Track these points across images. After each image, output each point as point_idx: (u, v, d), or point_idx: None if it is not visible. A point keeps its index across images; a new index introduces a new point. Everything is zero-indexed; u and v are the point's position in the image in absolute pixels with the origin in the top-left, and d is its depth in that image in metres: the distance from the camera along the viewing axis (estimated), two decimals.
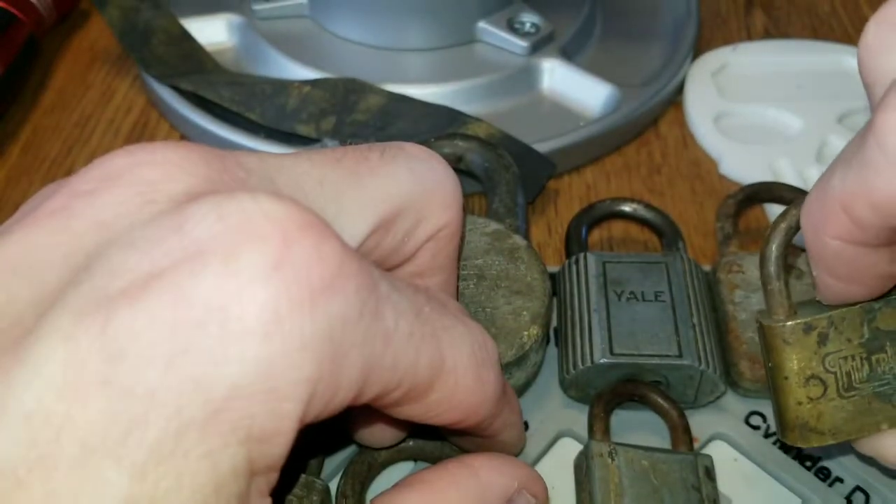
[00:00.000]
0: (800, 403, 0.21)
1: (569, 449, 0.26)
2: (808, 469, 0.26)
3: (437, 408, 0.18)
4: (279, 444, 0.14)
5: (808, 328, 0.21)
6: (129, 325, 0.13)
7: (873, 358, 0.20)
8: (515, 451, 0.23)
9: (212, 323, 0.13)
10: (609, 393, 0.26)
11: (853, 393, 0.21)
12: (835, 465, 0.26)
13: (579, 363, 0.26)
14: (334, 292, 0.14)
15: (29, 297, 0.14)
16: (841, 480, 0.25)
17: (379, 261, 0.19)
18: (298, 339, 0.14)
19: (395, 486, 0.19)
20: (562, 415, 0.27)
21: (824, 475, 0.25)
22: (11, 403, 0.12)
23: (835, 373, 0.20)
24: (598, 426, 0.25)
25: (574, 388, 0.27)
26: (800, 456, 0.26)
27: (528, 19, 0.41)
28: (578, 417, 0.26)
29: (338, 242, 0.15)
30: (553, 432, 0.27)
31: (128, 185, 0.15)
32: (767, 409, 0.27)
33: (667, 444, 0.25)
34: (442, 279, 0.21)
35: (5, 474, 0.12)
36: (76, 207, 0.15)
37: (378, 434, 0.23)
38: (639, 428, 0.26)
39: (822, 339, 0.20)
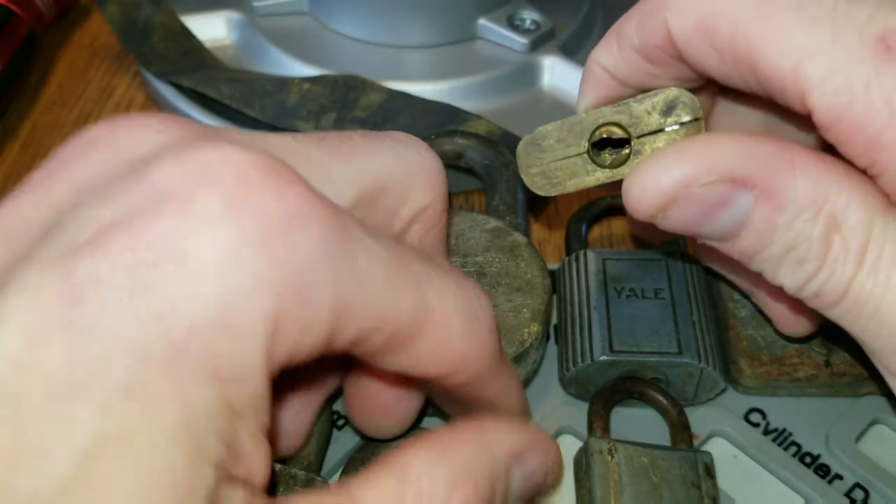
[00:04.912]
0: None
1: (568, 446, 0.26)
2: (808, 466, 0.26)
3: (426, 357, 0.17)
4: (252, 384, 0.14)
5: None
6: (91, 270, 0.13)
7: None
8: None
9: (169, 262, 0.13)
10: (609, 390, 0.26)
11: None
12: (834, 462, 0.26)
13: (579, 360, 0.26)
14: (295, 230, 0.14)
15: (5, 259, 0.14)
16: (840, 477, 0.25)
17: None
18: (255, 275, 0.14)
19: (402, 445, 0.19)
20: (561, 412, 0.27)
21: (824, 472, 0.25)
22: None
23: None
24: (598, 423, 0.25)
25: (574, 385, 0.27)
26: (800, 453, 0.26)
27: (529, 16, 0.40)
28: (578, 414, 0.26)
29: (303, 187, 0.15)
30: (553, 429, 0.27)
31: (105, 149, 0.16)
32: (767, 407, 0.27)
33: (666, 441, 0.25)
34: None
35: None
36: (56, 174, 0.16)
37: (382, 421, 0.23)
38: (638, 425, 0.26)
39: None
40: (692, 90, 0.21)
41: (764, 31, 0.18)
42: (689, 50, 0.19)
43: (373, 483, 0.16)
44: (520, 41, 0.39)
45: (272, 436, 0.19)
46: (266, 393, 0.15)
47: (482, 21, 0.40)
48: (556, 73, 0.39)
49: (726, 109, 0.23)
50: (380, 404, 0.22)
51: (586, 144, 0.20)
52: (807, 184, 0.18)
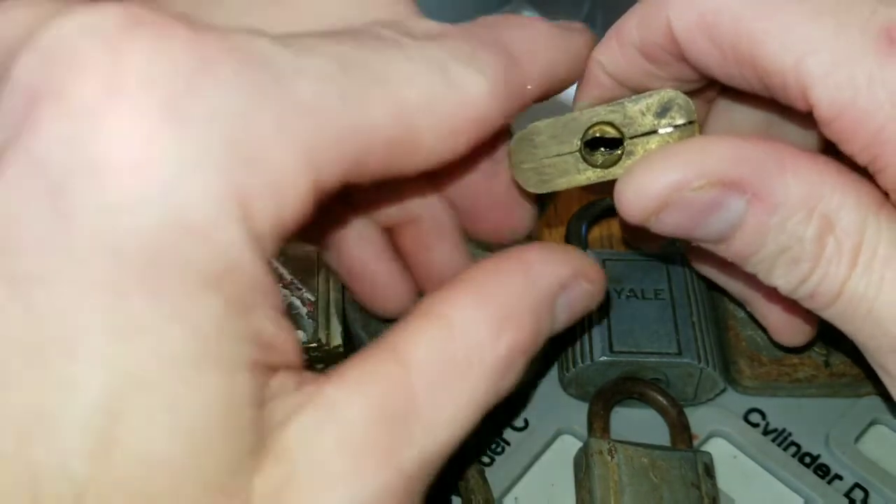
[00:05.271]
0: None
1: (568, 446, 0.26)
2: (808, 466, 0.26)
3: (444, 141, 0.16)
4: (247, 271, 0.13)
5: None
6: (4, 208, 0.12)
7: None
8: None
9: (81, 179, 0.12)
10: (609, 390, 0.26)
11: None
12: (834, 463, 0.26)
13: (579, 361, 0.26)
14: (202, 85, 0.12)
15: None
16: (840, 477, 0.25)
17: None
18: (180, 159, 0.12)
19: (443, 287, 0.17)
20: (561, 412, 0.27)
21: (823, 472, 0.25)
22: None
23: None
24: (598, 423, 0.25)
25: (574, 385, 0.27)
26: (799, 453, 0.26)
27: (529, 17, 0.40)
28: (578, 415, 0.26)
29: (182, 30, 0.13)
30: (553, 430, 0.27)
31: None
32: (767, 407, 0.27)
33: (666, 442, 0.25)
34: None
35: None
36: None
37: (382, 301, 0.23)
38: (638, 425, 0.26)
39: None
40: (690, 92, 0.21)
41: (766, 26, 0.17)
42: (690, 47, 0.19)
43: (415, 335, 0.15)
44: None
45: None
46: (266, 272, 0.13)
47: None
48: None
49: (726, 109, 0.23)
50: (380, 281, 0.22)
51: (579, 143, 0.20)
52: (799, 185, 0.18)
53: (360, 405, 0.14)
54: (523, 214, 0.23)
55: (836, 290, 0.18)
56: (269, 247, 0.13)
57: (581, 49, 0.21)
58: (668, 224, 0.19)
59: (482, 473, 0.24)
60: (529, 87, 0.18)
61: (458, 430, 0.16)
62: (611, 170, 0.20)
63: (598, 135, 0.20)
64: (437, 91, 0.16)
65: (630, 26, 0.20)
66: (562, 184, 0.21)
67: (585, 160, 0.20)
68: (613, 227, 0.34)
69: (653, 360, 0.25)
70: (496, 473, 0.25)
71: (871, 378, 0.26)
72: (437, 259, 0.23)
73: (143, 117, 0.12)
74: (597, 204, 0.32)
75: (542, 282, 0.18)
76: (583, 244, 0.31)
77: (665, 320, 0.26)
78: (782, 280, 0.19)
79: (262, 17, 0.17)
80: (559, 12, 0.41)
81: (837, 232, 0.18)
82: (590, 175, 0.20)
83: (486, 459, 0.26)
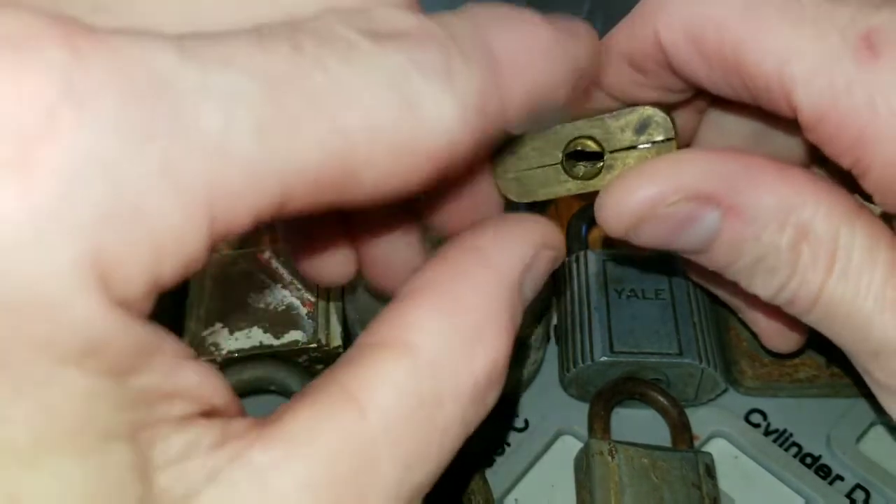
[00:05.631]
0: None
1: (569, 447, 0.26)
2: (809, 467, 0.26)
3: (394, 177, 0.13)
4: (126, 338, 0.11)
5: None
6: None
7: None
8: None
9: None
10: (609, 391, 0.26)
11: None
12: (835, 463, 0.26)
13: (580, 361, 0.26)
14: (62, 132, 0.10)
15: None
16: (841, 478, 0.25)
17: None
18: (21, 222, 0.10)
19: (396, 299, 0.15)
20: (562, 413, 0.27)
21: (825, 473, 0.25)
22: None
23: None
24: (599, 424, 0.25)
25: (574, 385, 0.27)
26: (800, 454, 0.26)
27: None
28: (578, 415, 0.26)
29: (56, 50, 0.10)
30: (553, 430, 0.27)
31: None
32: (768, 407, 0.27)
33: (667, 442, 0.25)
34: None
35: None
36: None
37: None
38: (639, 426, 0.26)
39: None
40: (679, 103, 0.21)
41: (749, 34, 0.18)
42: (677, 56, 0.19)
43: (375, 373, 0.13)
44: None
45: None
46: (147, 330, 0.12)
47: None
48: None
49: (717, 120, 0.23)
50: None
51: (561, 155, 0.21)
52: (771, 197, 0.18)
53: (299, 471, 0.12)
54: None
55: (813, 296, 0.18)
56: (147, 304, 0.12)
57: (584, 60, 0.18)
58: (647, 238, 0.19)
59: (483, 474, 0.24)
60: (512, 110, 0.15)
61: (429, 475, 0.14)
62: (591, 182, 0.21)
63: (579, 148, 0.21)
64: (388, 115, 0.13)
65: (619, 38, 0.21)
66: (543, 194, 0.21)
67: (567, 172, 0.21)
68: None
69: (653, 360, 0.25)
70: (497, 474, 0.25)
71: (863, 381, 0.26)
72: (390, 249, 0.21)
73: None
74: None
75: (507, 271, 0.16)
76: (583, 244, 0.31)
77: (666, 320, 0.26)
78: (761, 288, 0.19)
79: (179, 4, 0.14)
80: (559, 12, 0.41)
81: (812, 240, 0.18)
82: (570, 186, 0.21)
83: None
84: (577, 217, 0.32)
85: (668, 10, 0.19)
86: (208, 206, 0.11)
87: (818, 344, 0.25)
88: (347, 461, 0.12)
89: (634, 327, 0.26)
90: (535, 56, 0.15)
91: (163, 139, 0.11)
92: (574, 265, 0.28)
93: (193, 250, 0.11)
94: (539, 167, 0.21)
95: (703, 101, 0.22)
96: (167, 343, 0.12)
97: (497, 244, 0.16)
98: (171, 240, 0.11)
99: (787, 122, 0.19)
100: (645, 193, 0.18)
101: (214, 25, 0.13)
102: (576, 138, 0.21)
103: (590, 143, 0.20)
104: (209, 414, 0.13)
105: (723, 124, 0.23)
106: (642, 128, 0.20)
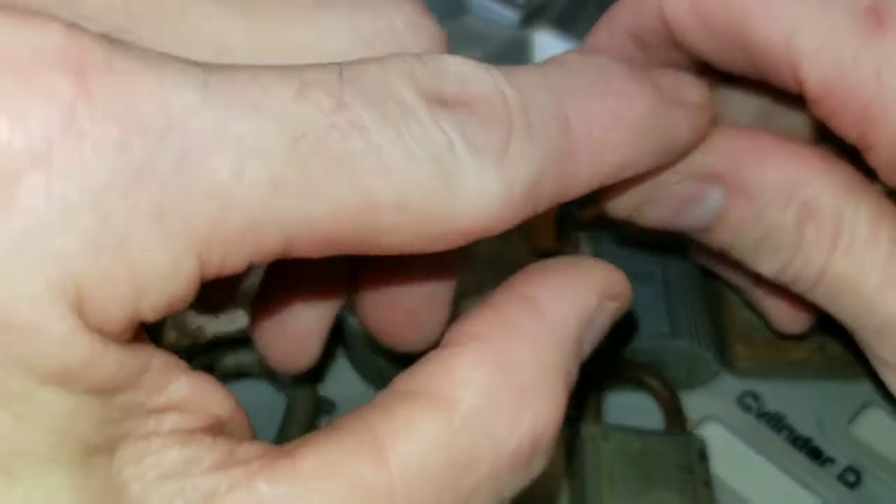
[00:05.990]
0: None
1: (561, 431, 0.26)
2: (801, 450, 0.25)
3: (413, 245, 0.13)
4: (108, 363, 0.11)
5: None
6: None
7: None
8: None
9: None
10: (601, 374, 0.26)
11: None
12: (827, 446, 0.26)
13: None
14: (55, 164, 0.10)
15: None
16: (833, 461, 0.25)
17: None
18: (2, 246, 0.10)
19: (440, 347, 0.14)
20: None
21: (816, 455, 0.25)
22: None
23: None
24: (591, 408, 0.25)
25: None
26: (792, 437, 0.26)
27: None
28: (570, 399, 0.26)
29: (68, 85, 0.10)
30: None
31: None
32: (761, 390, 0.27)
33: (659, 426, 0.25)
34: None
35: None
36: None
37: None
38: (631, 410, 0.26)
39: None
40: None
41: (755, 8, 0.18)
42: (682, 32, 0.19)
43: (407, 424, 0.12)
44: (511, 15, 0.39)
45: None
46: (133, 354, 0.11)
47: None
48: (550, 49, 0.38)
49: (724, 98, 0.23)
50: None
51: None
52: (775, 174, 0.18)
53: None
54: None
55: (817, 273, 0.18)
56: (128, 333, 0.11)
57: (686, 136, 0.16)
58: (651, 218, 0.19)
59: None
60: (575, 189, 0.13)
61: None
62: None
63: None
64: (423, 187, 0.12)
65: (623, 13, 0.20)
66: None
67: None
68: None
69: (646, 342, 0.25)
70: None
71: (861, 361, 0.26)
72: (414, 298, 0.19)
73: None
74: None
75: (563, 325, 0.14)
76: (574, 226, 0.30)
77: (658, 303, 0.26)
78: (766, 266, 0.19)
79: (253, 29, 0.13)
80: (576, 27, 0.41)
81: (816, 217, 0.18)
82: None
83: None
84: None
85: None
86: (200, 250, 0.11)
87: (817, 322, 0.25)
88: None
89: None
90: (621, 132, 0.14)
91: (161, 181, 0.10)
92: (566, 248, 0.28)
93: (178, 290, 0.11)
94: None
95: (706, 78, 0.22)
96: (155, 360, 0.12)
97: (552, 294, 0.14)
98: (155, 279, 0.11)
99: (793, 99, 0.19)
100: (649, 174, 0.18)
101: (280, 51, 0.12)
102: None
103: None
104: (215, 432, 0.12)
105: (731, 101, 0.23)
106: None
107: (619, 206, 0.19)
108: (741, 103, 0.23)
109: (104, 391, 0.11)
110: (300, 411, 0.24)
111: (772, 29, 0.18)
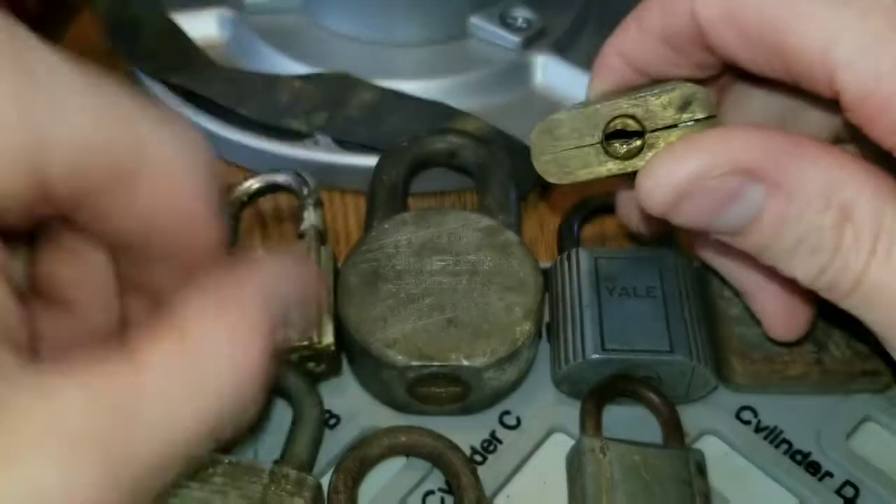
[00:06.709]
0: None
1: (561, 444, 0.26)
2: (799, 464, 0.26)
3: (149, 200, 0.16)
4: None
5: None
6: None
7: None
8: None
9: None
10: (601, 388, 0.26)
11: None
12: (825, 460, 0.26)
13: (571, 359, 0.26)
14: None
15: None
16: (831, 475, 0.25)
17: None
18: None
19: (181, 298, 0.17)
20: (554, 410, 0.27)
21: (814, 469, 0.26)
22: None
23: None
24: (590, 422, 0.25)
25: (566, 383, 0.27)
26: (790, 451, 0.26)
27: (521, 14, 0.40)
28: (570, 413, 0.26)
29: None
30: (545, 428, 0.27)
31: None
32: (758, 405, 0.27)
33: (658, 440, 0.25)
34: None
35: None
36: None
37: None
38: (631, 423, 0.26)
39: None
40: (707, 80, 0.21)
41: (791, 15, 0.18)
42: (715, 37, 0.19)
43: (153, 341, 0.15)
44: (512, 39, 0.39)
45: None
46: None
47: (474, 19, 0.40)
48: (549, 72, 0.39)
49: (744, 95, 0.23)
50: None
51: (600, 135, 0.20)
52: (817, 175, 0.18)
53: (79, 394, 0.14)
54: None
55: (855, 279, 0.18)
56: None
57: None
58: (688, 215, 0.19)
59: (474, 472, 0.24)
60: None
61: (189, 434, 0.15)
62: (632, 161, 0.20)
63: (619, 127, 0.20)
64: (180, 152, 0.16)
65: (652, 14, 0.20)
66: (583, 175, 0.21)
67: (606, 152, 0.20)
68: (606, 224, 0.34)
69: (645, 357, 0.25)
70: (488, 471, 0.25)
71: (865, 375, 0.26)
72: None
73: None
74: (589, 202, 0.32)
75: (274, 287, 0.17)
76: (575, 242, 0.31)
77: (657, 318, 0.26)
78: (801, 270, 0.19)
79: None
80: (551, 10, 0.41)
81: (855, 221, 0.18)
82: (611, 167, 0.21)
83: (478, 458, 0.26)
84: (570, 214, 0.32)
85: None
86: (32, 151, 0.14)
87: (812, 331, 0.26)
88: (117, 396, 0.14)
89: (626, 325, 0.26)
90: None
91: (18, 87, 0.14)
92: (565, 263, 0.28)
93: (24, 192, 0.14)
94: (577, 147, 0.21)
95: (729, 77, 0.22)
96: None
97: (269, 263, 0.18)
98: (9, 168, 0.14)
99: (819, 101, 0.19)
100: (690, 166, 0.18)
101: None
102: (616, 117, 0.20)
103: (630, 122, 0.20)
104: (9, 342, 0.14)
105: (752, 99, 0.23)
106: (685, 105, 0.20)
107: (658, 201, 0.19)
108: (762, 103, 0.23)
109: None
110: (306, 424, 0.25)
111: (808, 36, 0.18)
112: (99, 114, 0.15)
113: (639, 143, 0.20)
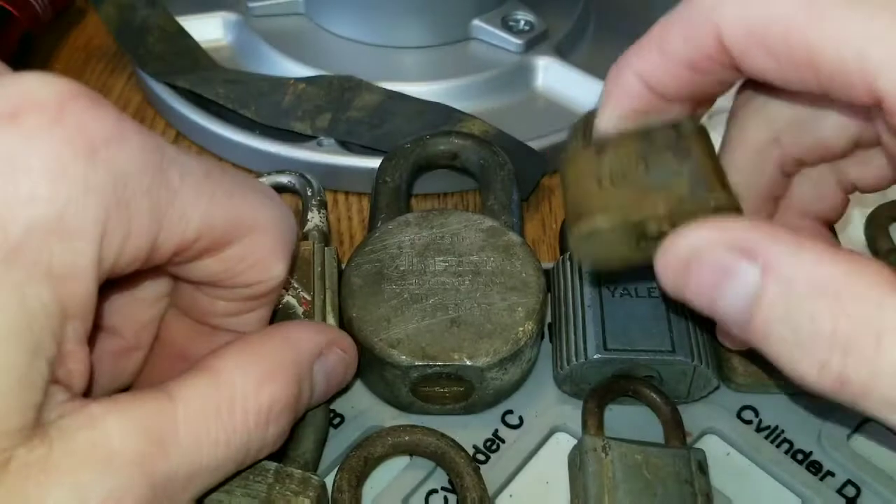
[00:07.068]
0: (579, 196, 0.22)
1: (563, 444, 0.26)
2: (800, 463, 0.26)
3: (238, 264, 0.20)
4: (84, 285, 0.16)
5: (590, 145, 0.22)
6: None
7: (647, 160, 0.21)
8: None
9: (2, 172, 0.15)
10: (603, 388, 0.26)
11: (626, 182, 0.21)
12: (826, 459, 0.26)
13: (573, 359, 0.26)
14: (115, 147, 0.16)
15: None
16: (832, 474, 0.26)
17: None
18: (83, 184, 0.16)
19: (216, 350, 0.20)
20: (556, 410, 0.27)
21: (816, 469, 0.26)
22: None
23: (609, 171, 0.22)
24: (592, 421, 0.25)
25: (568, 383, 0.27)
26: (792, 450, 0.26)
27: (523, 17, 0.41)
28: (572, 412, 0.27)
29: (112, 109, 0.17)
30: (547, 427, 0.27)
31: None
32: (760, 404, 0.27)
33: (660, 439, 0.26)
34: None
35: None
36: None
37: None
38: (632, 423, 0.26)
39: (601, 150, 0.22)
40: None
41: (821, 29, 0.18)
42: (743, 58, 0.19)
43: (189, 382, 0.19)
44: (514, 42, 0.40)
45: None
46: (94, 297, 0.16)
47: (476, 22, 0.40)
48: (550, 74, 0.40)
49: (762, 105, 0.23)
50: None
51: (636, 240, 0.21)
52: (812, 264, 0.17)
53: (120, 420, 0.17)
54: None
55: (865, 376, 0.16)
56: (101, 279, 0.17)
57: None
58: (692, 290, 0.19)
59: (477, 471, 0.24)
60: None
61: (216, 461, 0.18)
62: (656, 241, 0.21)
63: (654, 231, 0.21)
64: (271, 223, 0.20)
65: (673, 39, 0.20)
66: (618, 263, 0.22)
67: (638, 244, 0.21)
68: None
69: (646, 357, 0.26)
70: (491, 471, 0.25)
71: None
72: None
73: (69, 146, 0.16)
74: None
75: (301, 346, 0.21)
76: None
77: (658, 318, 0.26)
78: (805, 366, 0.17)
79: None
80: (553, 13, 0.42)
81: (852, 314, 0.17)
82: (641, 254, 0.21)
83: (481, 457, 0.26)
84: None
85: (728, 12, 0.19)
86: (154, 226, 0.17)
87: None
88: (154, 423, 0.17)
89: (628, 325, 0.26)
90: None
91: (152, 177, 0.17)
92: (568, 263, 0.28)
93: (143, 254, 0.17)
94: (617, 247, 0.22)
95: (748, 86, 0.23)
96: (91, 319, 0.17)
97: (298, 329, 0.22)
98: (137, 237, 0.17)
99: (841, 107, 0.19)
100: (690, 239, 0.19)
101: None
102: (647, 220, 0.21)
103: (663, 223, 0.21)
104: (66, 384, 0.17)
105: (769, 109, 0.23)
106: (696, 184, 0.20)
107: (666, 277, 0.20)
108: (777, 112, 0.23)
109: (65, 309, 0.16)
110: (311, 424, 0.25)
111: (841, 48, 0.17)
112: (207, 193, 0.18)
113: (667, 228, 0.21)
